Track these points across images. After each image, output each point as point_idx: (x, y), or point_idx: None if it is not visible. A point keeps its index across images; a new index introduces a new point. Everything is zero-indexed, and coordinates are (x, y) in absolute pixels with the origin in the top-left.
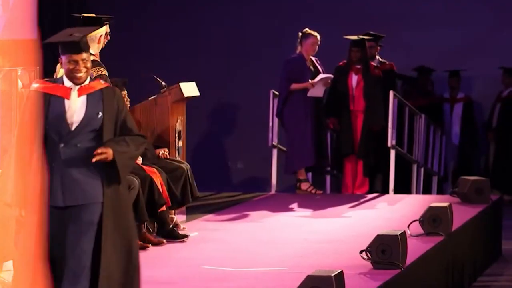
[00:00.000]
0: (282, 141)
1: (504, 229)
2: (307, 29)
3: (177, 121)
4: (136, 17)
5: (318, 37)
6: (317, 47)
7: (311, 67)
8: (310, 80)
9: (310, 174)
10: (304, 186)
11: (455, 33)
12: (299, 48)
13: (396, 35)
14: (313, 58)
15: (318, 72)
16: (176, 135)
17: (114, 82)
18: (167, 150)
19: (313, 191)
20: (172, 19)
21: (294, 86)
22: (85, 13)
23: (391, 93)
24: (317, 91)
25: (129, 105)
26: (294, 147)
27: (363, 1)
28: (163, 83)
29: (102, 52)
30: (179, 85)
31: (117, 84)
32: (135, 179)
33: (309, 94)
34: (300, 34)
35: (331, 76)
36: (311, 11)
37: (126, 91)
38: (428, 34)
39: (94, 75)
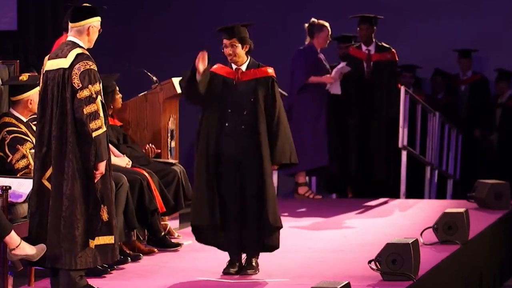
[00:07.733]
0: None
1: None
2: (314, 19)
3: (169, 120)
4: (127, 8)
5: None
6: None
7: (324, 63)
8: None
9: (314, 178)
10: (302, 190)
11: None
12: (308, 40)
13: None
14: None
15: (328, 70)
16: (169, 134)
17: (105, 77)
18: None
19: (311, 196)
20: (165, 9)
21: (313, 79)
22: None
23: (403, 88)
24: (335, 88)
25: (121, 102)
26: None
27: None
28: (154, 78)
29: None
30: (172, 81)
31: (108, 80)
32: (122, 176)
33: (332, 91)
34: (307, 25)
35: (347, 67)
36: (315, 1)
37: (117, 87)
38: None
39: (82, 69)
